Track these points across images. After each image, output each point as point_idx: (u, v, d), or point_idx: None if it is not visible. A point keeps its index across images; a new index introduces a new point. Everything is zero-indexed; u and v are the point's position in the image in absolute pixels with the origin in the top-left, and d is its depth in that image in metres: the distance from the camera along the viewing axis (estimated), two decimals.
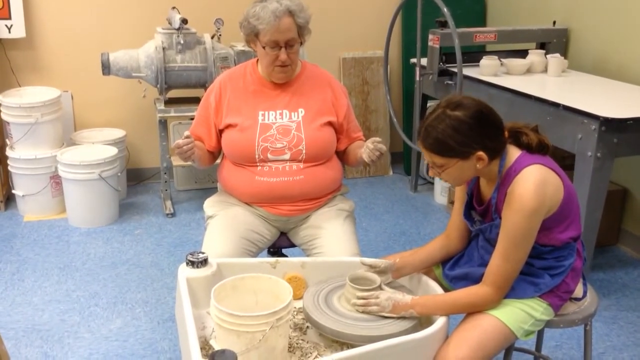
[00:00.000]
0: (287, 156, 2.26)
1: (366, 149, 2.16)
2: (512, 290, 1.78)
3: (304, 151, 2.26)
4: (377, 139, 2.16)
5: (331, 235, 2.24)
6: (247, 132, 2.27)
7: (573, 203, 1.79)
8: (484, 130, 1.70)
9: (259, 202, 2.31)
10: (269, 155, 2.26)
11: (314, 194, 2.31)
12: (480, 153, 1.70)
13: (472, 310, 1.77)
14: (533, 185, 1.67)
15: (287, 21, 2.19)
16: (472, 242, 1.98)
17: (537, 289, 1.78)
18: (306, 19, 2.25)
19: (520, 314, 1.77)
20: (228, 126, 2.31)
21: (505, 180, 1.74)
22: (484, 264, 1.82)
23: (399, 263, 1.94)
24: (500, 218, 1.74)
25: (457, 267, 1.95)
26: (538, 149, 1.76)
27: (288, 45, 2.22)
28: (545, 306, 1.80)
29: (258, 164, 2.27)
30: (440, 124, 1.70)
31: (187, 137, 2.14)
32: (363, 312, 1.78)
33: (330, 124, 2.34)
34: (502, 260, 1.72)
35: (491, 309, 1.76)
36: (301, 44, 2.28)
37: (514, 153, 1.76)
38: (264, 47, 2.22)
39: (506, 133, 1.77)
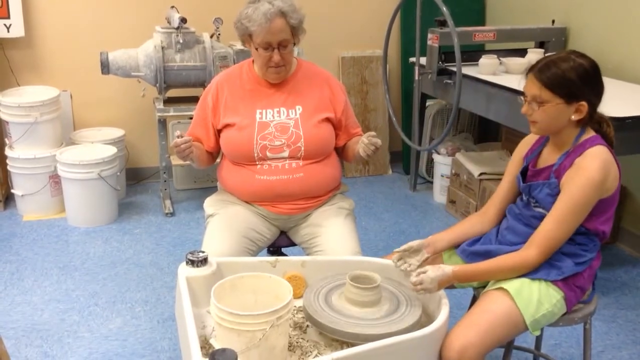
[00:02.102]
0: (285, 154, 2.26)
1: (361, 143, 2.18)
2: (536, 272, 1.83)
3: (302, 148, 2.26)
4: (372, 133, 2.18)
5: (332, 234, 2.25)
6: (245, 131, 2.27)
7: (616, 201, 1.88)
8: (596, 86, 1.83)
9: (259, 200, 2.31)
10: (268, 153, 2.26)
11: (314, 192, 2.31)
12: (584, 103, 1.80)
13: (513, 275, 1.83)
14: (602, 161, 1.79)
15: (279, 22, 2.17)
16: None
17: (560, 272, 1.83)
18: (299, 19, 2.23)
19: (533, 300, 1.80)
20: (226, 126, 2.32)
21: (577, 149, 1.84)
22: (506, 243, 1.92)
23: (429, 239, 2.00)
24: (556, 179, 1.83)
25: (475, 245, 2.01)
26: (609, 142, 1.89)
27: (281, 46, 2.20)
28: (559, 298, 1.83)
29: (257, 163, 2.27)
30: (564, 64, 1.80)
31: (179, 136, 2.15)
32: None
33: (328, 120, 2.34)
34: (555, 224, 1.80)
35: (520, 277, 1.82)
36: (295, 44, 2.27)
37: (591, 132, 1.89)
38: (256, 49, 2.22)
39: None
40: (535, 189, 1.89)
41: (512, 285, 1.81)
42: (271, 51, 2.20)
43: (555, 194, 1.84)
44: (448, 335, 1.74)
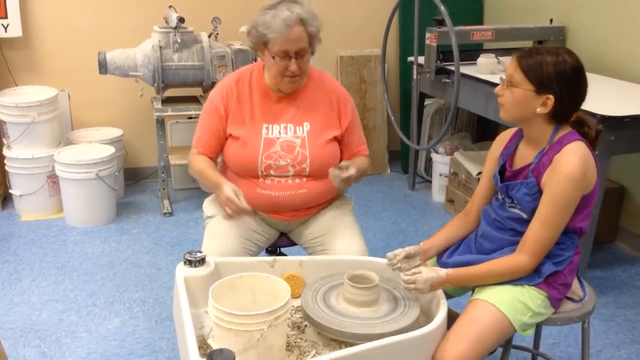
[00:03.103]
0: (290, 173, 2.22)
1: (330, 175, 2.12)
2: (519, 279, 1.82)
3: (307, 169, 2.22)
4: (342, 164, 2.12)
5: (337, 233, 2.24)
6: (250, 147, 2.21)
7: (595, 198, 1.85)
8: (572, 87, 1.79)
9: (260, 210, 2.28)
10: (272, 172, 2.22)
11: (315, 202, 2.30)
12: (551, 98, 1.77)
13: (507, 279, 1.82)
14: (580, 157, 1.76)
15: (298, 30, 2.10)
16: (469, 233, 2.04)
17: (540, 274, 1.82)
18: (317, 27, 2.15)
19: (518, 305, 1.80)
20: (231, 136, 2.26)
21: (554, 146, 1.81)
22: (483, 252, 1.90)
23: (423, 246, 1.98)
24: (534, 179, 1.81)
25: (454, 255, 1.99)
26: (591, 144, 1.85)
27: (299, 55, 2.13)
28: (543, 298, 1.83)
29: (260, 178, 2.24)
30: (549, 56, 1.79)
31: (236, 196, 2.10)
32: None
33: (335, 138, 2.28)
34: (541, 227, 1.78)
35: (517, 279, 1.81)
36: (312, 53, 2.19)
37: (567, 128, 1.85)
38: (273, 57, 2.14)
39: (573, 116, 1.86)
40: (512, 188, 1.87)
41: (494, 297, 1.80)
42: (288, 60, 2.12)
43: (533, 193, 1.82)
44: (440, 348, 1.74)
